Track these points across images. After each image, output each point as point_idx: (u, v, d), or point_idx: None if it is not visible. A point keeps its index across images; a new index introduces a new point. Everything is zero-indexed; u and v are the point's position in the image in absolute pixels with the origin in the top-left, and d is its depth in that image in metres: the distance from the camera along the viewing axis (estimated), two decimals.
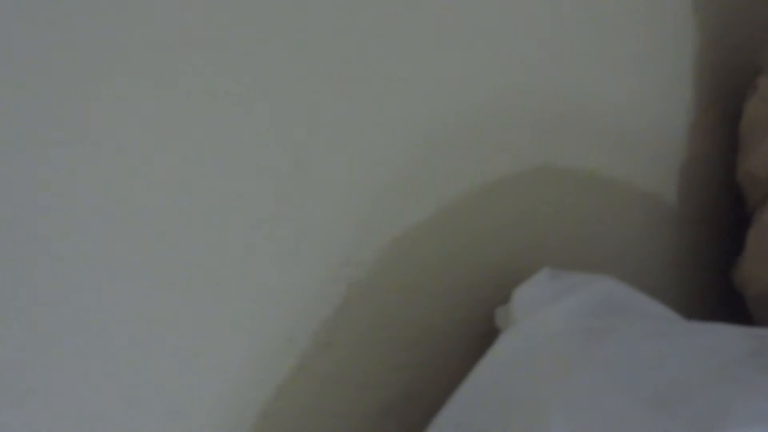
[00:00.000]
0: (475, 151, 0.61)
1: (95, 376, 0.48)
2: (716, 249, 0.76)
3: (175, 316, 0.50)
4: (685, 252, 0.74)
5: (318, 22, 0.53)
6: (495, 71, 0.62)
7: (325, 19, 0.53)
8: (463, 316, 0.61)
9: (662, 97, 0.72)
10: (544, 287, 0.56)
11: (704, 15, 0.74)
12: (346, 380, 0.56)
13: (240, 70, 0.50)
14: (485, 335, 0.56)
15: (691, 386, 0.47)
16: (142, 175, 0.48)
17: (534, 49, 0.63)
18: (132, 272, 0.48)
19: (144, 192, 0.48)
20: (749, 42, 0.76)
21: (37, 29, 0.44)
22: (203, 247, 0.51)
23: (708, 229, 0.76)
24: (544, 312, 0.54)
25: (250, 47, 0.50)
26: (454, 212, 0.60)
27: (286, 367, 0.54)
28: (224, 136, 0.50)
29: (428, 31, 0.57)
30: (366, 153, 0.56)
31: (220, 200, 0.51)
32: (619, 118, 0.69)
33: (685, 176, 0.73)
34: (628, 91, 0.69)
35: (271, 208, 0.52)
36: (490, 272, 0.62)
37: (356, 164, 0.55)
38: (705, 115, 0.74)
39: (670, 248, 0.73)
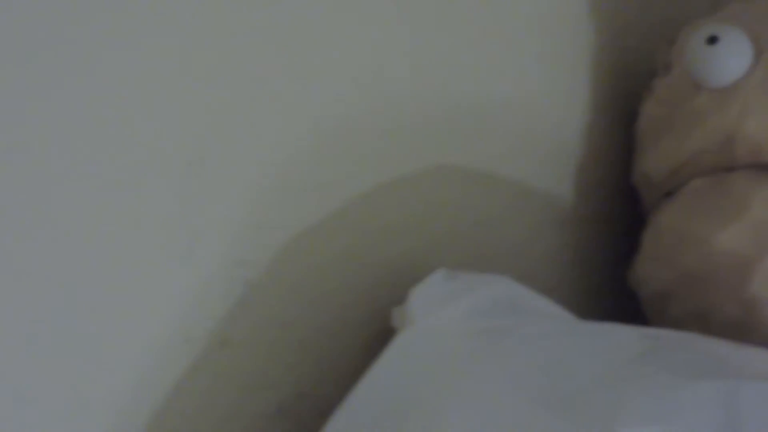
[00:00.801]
0: (371, 150, 0.61)
1: None
2: (612, 249, 0.77)
3: (67, 317, 0.50)
4: (580, 252, 0.75)
5: (213, 19, 0.52)
6: (393, 70, 0.62)
7: (220, 16, 0.52)
8: (360, 315, 0.61)
9: (558, 98, 0.73)
10: (440, 287, 0.57)
11: (601, 16, 0.75)
12: (241, 380, 0.57)
13: (135, 67, 0.49)
14: (381, 335, 0.56)
15: (585, 386, 0.48)
16: (34, 172, 0.47)
17: (431, 48, 0.64)
18: (20, 270, 0.47)
19: (37, 190, 0.47)
20: (645, 44, 0.77)
21: None
22: (95, 246, 0.50)
23: (604, 229, 0.77)
24: (440, 312, 0.55)
25: (146, 43, 0.50)
26: (350, 212, 0.60)
27: (181, 368, 0.54)
28: (118, 133, 0.49)
29: (324, 29, 0.57)
30: (262, 153, 0.56)
31: (113, 198, 0.50)
32: (516, 118, 0.69)
33: (581, 177, 0.74)
34: (524, 92, 0.70)
35: (165, 207, 0.52)
36: (386, 272, 0.62)
37: (252, 164, 0.55)
38: (601, 117, 0.75)
39: (566, 248, 0.74)
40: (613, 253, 0.76)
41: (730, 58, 0.65)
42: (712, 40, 0.65)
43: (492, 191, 0.69)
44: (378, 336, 0.57)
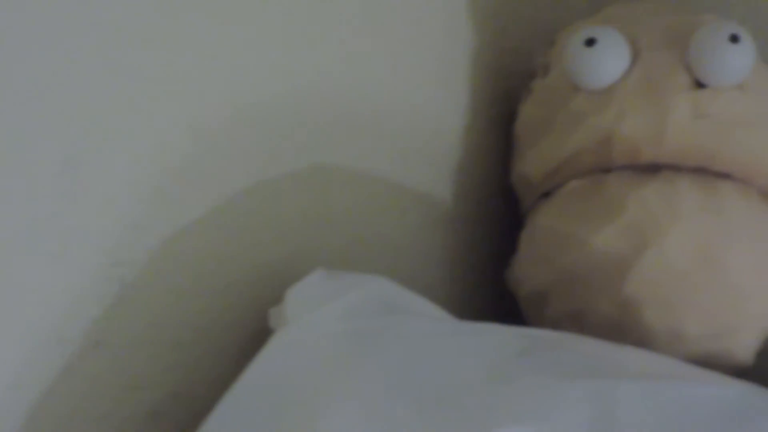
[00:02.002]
0: (253, 151, 0.61)
1: None
2: (490, 250, 0.78)
3: None
4: (459, 252, 0.76)
5: (92, 17, 0.51)
6: (274, 72, 0.62)
7: (99, 13, 0.51)
8: (238, 316, 0.61)
9: (437, 99, 0.74)
10: (318, 287, 0.57)
11: (480, 18, 0.76)
12: (115, 381, 0.56)
13: (8, 63, 0.48)
14: (260, 335, 0.56)
15: (462, 387, 0.49)
16: None
17: (312, 50, 0.64)
18: None
19: None
20: (524, 45, 0.78)
21: None
22: None
23: (482, 229, 0.78)
24: (318, 312, 0.55)
25: (22, 38, 0.48)
26: (230, 212, 0.60)
27: (54, 369, 0.53)
28: None
29: (208, 29, 0.57)
30: (140, 152, 0.55)
31: None
32: (396, 118, 0.70)
33: (460, 177, 0.75)
34: (403, 93, 0.71)
35: (39, 207, 0.51)
36: (265, 273, 0.62)
37: (130, 163, 0.55)
38: (481, 117, 0.76)
39: (445, 249, 0.75)
40: (492, 254, 0.77)
41: (607, 60, 0.67)
42: (590, 42, 0.66)
43: (372, 191, 0.69)
44: (256, 336, 0.57)
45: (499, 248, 0.76)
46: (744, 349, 0.69)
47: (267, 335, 0.55)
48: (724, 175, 0.66)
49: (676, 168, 0.65)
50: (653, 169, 0.66)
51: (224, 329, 0.61)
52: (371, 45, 0.68)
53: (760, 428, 0.49)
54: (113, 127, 0.54)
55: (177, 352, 0.59)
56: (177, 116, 0.57)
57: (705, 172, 0.66)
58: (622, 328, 0.65)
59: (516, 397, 0.47)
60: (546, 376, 0.49)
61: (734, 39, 0.65)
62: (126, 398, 0.57)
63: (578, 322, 0.66)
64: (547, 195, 0.70)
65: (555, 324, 0.67)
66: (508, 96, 0.77)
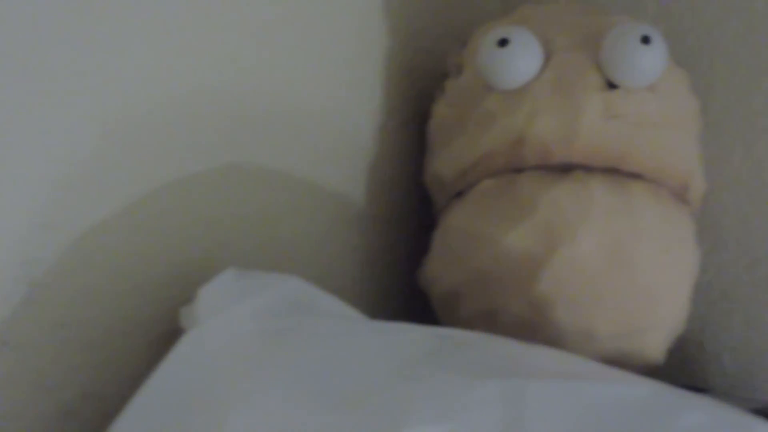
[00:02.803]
0: (166, 150, 0.61)
1: None
2: (403, 249, 0.78)
3: None
4: (372, 252, 0.76)
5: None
6: (187, 71, 0.62)
7: (8, 14, 0.51)
8: (149, 315, 0.61)
9: (351, 99, 0.74)
10: (230, 287, 0.57)
11: (394, 18, 0.76)
12: (23, 381, 0.56)
13: None
14: (171, 335, 0.56)
15: (373, 386, 0.49)
16: None
17: (227, 50, 0.64)
18: None
19: None
20: (438, 46, 0.79)
21: None
22: None
23: (395, 229, 0.78)
24: (228, 312, 0.55)
25: None
26: (142, 211, 0.60)
27: None
28: None
29: (120, 26, 0.57)
30: (50, 151, 0.55)
31: None
32: (309, 118, 0.70)
33: (373, 177, 0.75)
34: (316, 93, 0.71)
35: None
36: (177, 272, 0.62)
37: (39, 163, 0.55)
38: (394, 117, 0.76)
39: (359, 248, 0.75)
40: (405, 253, 0.77)
41: (519, 60, 0.67)
42: (503, 42, 0.67)
43: (285, 190, 0.69)
44: (167, 336, 0.57)
45: (412, 248, 0.76)
46: (654, 349, 0.70)
47: (178, 335, 0.55)
48: (635, 176, 0.67)
49: (587, 168, 0.66)
50: (565, 169, 0.66)
51: (135, 329, 0.61)
52: (283, 44, 0.68)
53: (668, 427, 0.49)
54: (21, 125, 0.53)
55: (87, 352, 0.58)
56: (88, 114, 0.56)
57: (616, 173, 0.67)
58: (534, 327, 0.66)
59: (426, 397, 0.47)
60: (457, 376, 0.49)
61: (646, 40, 0.66)
62: (35, 398, 0.56)
63: (490, 321, 0.67)
64: (460, 195, 0.70)
65: (467, 324, 0.67)
66: (421, 96, 0.77)
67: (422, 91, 0.77)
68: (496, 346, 0.55)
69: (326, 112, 0.71)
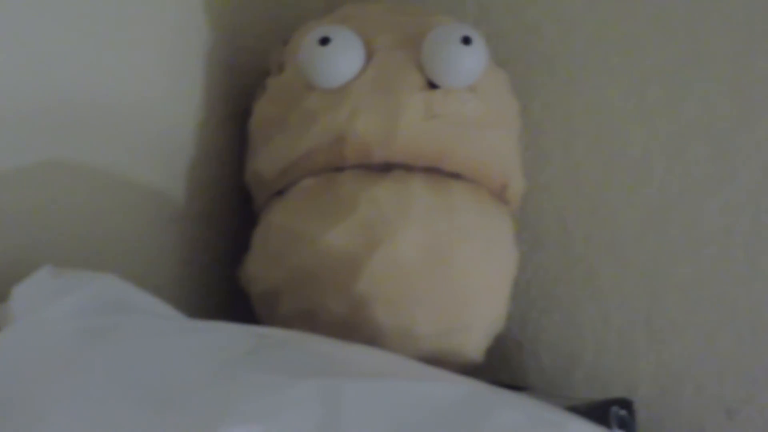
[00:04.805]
0: None
1: None
2: (224, 248, 0.78)
3: None
4: (192, 250, 0.76)
5: None
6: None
7: None
8: None
9: (172, 95, 0.74)
10: (45, 285, 0.56)
11: (216, 15, 0.76)
12: None
13: None
14: None
15: (190, 386, 0.49)
16: None
17: (38, 46, 0.62)
18: None
19: None
20: (260, 43, 0.79)
21: None
22: None
23: (216, 228, 0.78)
24: (44, 311, 0.54)
25: None
26: None
27: None
28: None
29: None
30: None
31: None
32: (128, 114, 0.70)
33: (194, 174, 0.75)
34: (133, 90, 0.71)
35: None
36: None
37: None
38: (215, 114, 0.76)
39: (178, 247, 0.75)
40: (225, 252, 0.77)
41: (341, 59, 0.68)
42: (324, 41, 0.67)
43: (102, 187, 0.69)
44: None
45: (233, 247, 0.76)
46: (473, 347, 0.71)
47: None
48: (455, 175, 0.69)
49: (407, 168, 0.67)
50: (385, 168, 0.68)
51: None
52: (100, 38, 0.67)
53: (484, 425, 0.50)
54: None
55: None
56: None
57: (436, 172, 0.68)
58: (354, 326, 0.67)
59: (243, 396, 0.48)
60: (273, 375, 0.50)
61: (466, 41, 0.68)
62: None
63: (310, 320, 0.67)
64: (280, 193, 0.70)
65: (287, 323, 0.67)
66: (243, 94, 0.77)
67: (244, 89, 0.77)
68: (314, 345, 0.56)
69: (145, 109, 0.71)
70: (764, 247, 0.76)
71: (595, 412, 0.68)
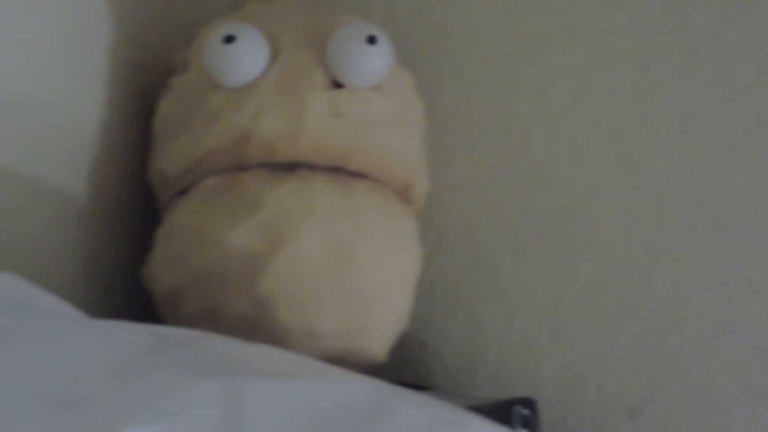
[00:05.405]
0: None
1: None
2: (127, 247, 0.77)
3: None
4: (94, 249, 0.75)
5: None
6: None
7: None
8: None
9: (74, 92, 0.73)
10: None
11: (120, 11, 0.75)
12: None
13: None
14: None
15: (90, 386, 0.49)
16: None
17: None
18: None
19: None
20: (165, 41, 0.78)
21: None
22: None
23: (119, 226, 0.78)
24: None
25: None
26: None
27: None
28: None
29: None
30: None
31: None
32: (28, 109, 0.69)
33: (96, 172, 0.74)
34: (38, 84, 0.70)
35: None
36: None
37: None
38: (118, 112, 0.76)
39: (79, 245, 0.74)
40: (128, 251, 0.77)
41: (245, 58, 0.68)
42: (229, 39, 0.68)
43: (2, 184, 0.67)
44: None
45: (136, 246, 0.75)
46: (377, 347, 0.72)
47: None
48: (360, 175, 0.69)
49: (312, 167, 0.68)
50: (290, 167, 0.68)
51: None
52: (5, 34, 0.66)
53: (386, 425, 0.50)
54: None
55: None
56: None
57: (341, 172, 0.69)
58: (257, 326, 0.67)
59: (144, 396, 0.48)
60: (175, 375, 0.49)
61: (371, 40, 0.68)
62: None
63: (213, 320, 0.67)
64: (184, 192, 0.70)
65: (190, 322, 0.67)
66: (147, 91, 0.77)
67: (148, 86, 0.77)
68: (216, 344, 0.56)
69: (46, 106, 0.70)
70: (666, 248, 0.78)
71: (499, 411, 0.69)
